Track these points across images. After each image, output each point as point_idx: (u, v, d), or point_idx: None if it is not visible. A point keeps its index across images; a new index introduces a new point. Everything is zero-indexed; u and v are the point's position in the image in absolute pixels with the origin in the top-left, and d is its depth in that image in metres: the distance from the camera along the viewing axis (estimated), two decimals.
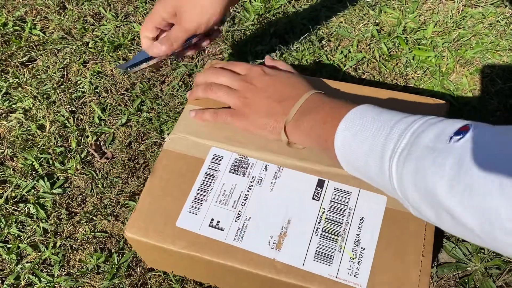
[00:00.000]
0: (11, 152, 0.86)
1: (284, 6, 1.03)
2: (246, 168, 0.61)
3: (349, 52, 0.93)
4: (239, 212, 0.57)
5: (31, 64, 1.00)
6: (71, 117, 0.89)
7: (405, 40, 0.93)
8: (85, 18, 1.06)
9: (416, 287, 0.51)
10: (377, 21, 0.97)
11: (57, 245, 0.75)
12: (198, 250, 0.55)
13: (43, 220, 0.78)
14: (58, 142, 0.87)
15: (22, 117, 0.90)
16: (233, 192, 0.59)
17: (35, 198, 0.80)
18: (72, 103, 0.91)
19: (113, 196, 0.79)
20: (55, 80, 0.95)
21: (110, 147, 0.85)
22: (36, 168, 0.84)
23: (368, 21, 0.97)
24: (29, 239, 0.76)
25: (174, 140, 0.65)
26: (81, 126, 0.88)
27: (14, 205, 0.80)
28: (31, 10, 1.09)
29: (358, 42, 0.94)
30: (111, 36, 1.01)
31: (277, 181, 0.59)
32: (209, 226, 0.57)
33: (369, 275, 0.52)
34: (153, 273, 0.70)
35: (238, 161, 0.62)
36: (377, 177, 0.49)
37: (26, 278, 0.73)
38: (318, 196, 0.58)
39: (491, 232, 0.38)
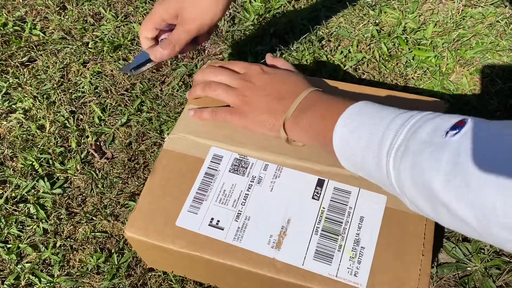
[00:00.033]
0: (11, 152, 0.86)
1: (284, 6, 1.03)
2: (246, 168, 0.61)
3: (349, 52, 0.93)
4: (239, 212, 0.57)
5: (31, 64, 1.00)
6: (71, 117, 0.89)
7: (405, 40, 0.93)
8: (85, 18, 1.06)
9: (416, 286, 0.51)
10: (377, 21, 0.97)
11: (57, 245, 0.75)
12: (198, 249, 0.55)
13: (43, 220, 0.78)
14: (58, 142, 0.87)
15: (22, 117, 0.90)
16: (233, 191, 0.59)
17: (35, 198, 0.80)
18: (72, 103, 0.91)
19: (113, 196, 0.79)
20: (55, 80, 0.95)
21: (110, 147, 0.85)
22: (36, 168, 0.84)
23: (368, 21, 0.97)
24: (29, 239, 0.76)
25: (174, 139, 0.65)
26: (81, 126, 0.88)
27: (14, 205, 0.80)
28: (31, 10, 1.09)
29: (358, 42, 0.94)
30: (111, 36, 1.01)
31: (277, 180, 0.59)
32: (209, 225, 0.57)
33: (369, 274, 0.52)
34: (153, 273, 0.70)
35: (238, 161, 0.62)
36: (375, 172, 0.49)
37: (26, 278, 0.73)
38: (318, 195, 0.58)
39: (488, 226, 0.38)
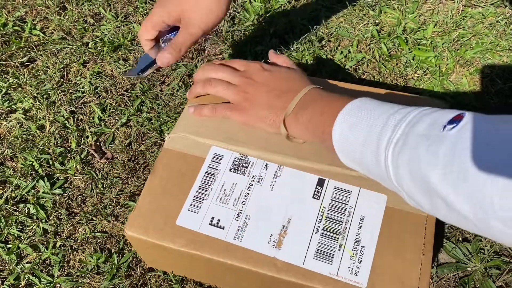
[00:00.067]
0: (11, 153, 0.86)
1: (284, 6, 1.03)
2: (247, 167, 0.61)
3: (349, 52, 0.93)
4: (240, 211, 0.57)
5: (31, 64, 1.00)
6: (71, 118, 0.89)
7: (405, 40, 0.93)
8: (85, 19, 1.06)
9: (417, 285, 0.51)
10: (377, 21, 0.97)
11: (57, 245, 0.75)
12: (198, 248, 0.55)
13: (43, 221, 0.78)
14: (58, 142, 0.87)
15: (22, 117, 0.90)
16: (234, 190, 0.59)
17: (35, 199, 0.80)
18: (72, 103, 0.91)
19: (113, 196, 0.79)
20: (55, 81, 0.95)
21: (110, 148, 0.85)
22: (36, 168, 0.83)
23: (368, 21, 0.97)
24: (29, 240, 0.76)
25: (174, 139, 0.65)
26: (81, 126, 0.88)
27: (14, 206, 0.80)
28: (31, 11, 1.09)
29: (358, 43, 0.94)
30: (111, 37, 1.01)
31: (278, 180, 0.59)
32: (209, 224, 0.57)
33: (369, 273, 0.52)
34: (153, 274, 0.70)
35: (238, 160, 0.61)
36: (373, 168, 0.49)
37: (26, 278, 0.72)
38: (319, 195, 0.58)
39: (485, 219, 0.38)
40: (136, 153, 0.83)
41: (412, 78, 0.88)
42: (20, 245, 0.75)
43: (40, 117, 0.90)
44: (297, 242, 0.54)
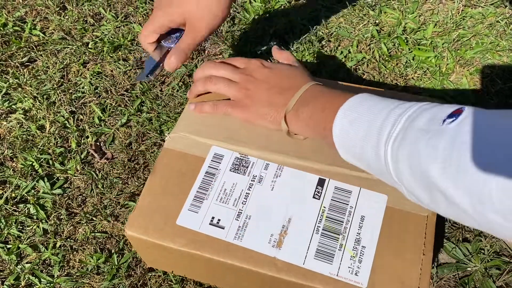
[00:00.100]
0: (11, 153, 0.86)
1: (284, 6, 1.03)
2: (247, 167, 0.61)
3: (349, 52, 0.93)
4: (240, 211, 0.57)
5: (31, 64, 1.00)
6: (71, 118, 0.89)
7: (405, 41, 0.93)
8: (85, 19, 1.06)
9: (417, 285, 0.51)
10: (377, 21, 0.97)
11: (57, 245, 0.75)
12: (198, 248, 0.55)
13: (43, 221, 0.77)
14: (58, 142, 0.86)
15: (22, 117, 0.90)
16: (234, 190, 0.59)
17: (35, 199, 0.80)
18: (72, 103, 0.91)
19: (113, 196, 0.79)
20: (55, 81, 0.95)
21: (110, 148, 0.85)
22: (36, 168, 0.83)
23: (368, 22, 0.97)
24: (29, 240, 0.76)
25: (174, 139, 0.65)
26: (81, 126, 0.88)
27: (14, 206, 0.80)
28: (31, 11, 1.09)
29: (358, 43, 0.94)
30: (111, 37, 1.01)
31: (278, 179, 0.59)
32: (210, 224, 0.57)
33: (369, 273, 0.52)
34: (153, 274, 0.70)
35: (238, 160, 0.62)
36: (373, 163, 0.50)
37: (26, 278, 0.72)
38: (319, 194, 0.58)
39: (483, 212, 0.38)
40: (136, 153, 0.83)
41: (412, 78, 0.88)
42: (20, 245, 0.75)
43: (40, 117, 0.90)
44: (298, 242, 0.54)
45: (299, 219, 0.56)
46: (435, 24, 0.95)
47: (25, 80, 0.96)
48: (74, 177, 0.82)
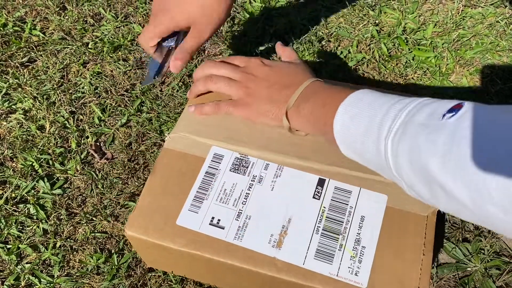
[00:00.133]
0: (11, 153, 0.86)
1: (284, 6, 1.03)
2: (247, 167, 0.61)
3: (349, 52, 0.93)
4: (240, 211, 0.57)
5: (31, 64, 1.00)
6: (71, 118, 0.89)
7: (405, 41, 0.93)
8: (85, 19, 1.06)
9: (417, 285, 0.51)
10: (377, 21, 0.97)
11: (57, 245, 0.75)
12: (198, 248, 0.55)
13: (43, 221, 0.77)
14: (58, 142, 0.86)
15: (22, 117, 0.90)
16: (234, 190, 0.59)
17: (35, 199, 0.79)
18: (72, 103, 0.91)
19: (113, 196, 0.79)
20: (55, 81, 0.95)
21: (110, 148, 0.85)
22: (36, 168, 0.83)
23: (368, 22, 0.97)
24: (29, 240, 0.76)
25: (174, 139, 0.65)
26: (81, 126, 0.88)
27: (14, 206, 0.79)
28: (31, 11, 1.09)
29: (358, 43, 0.94)
30: (111, 37, 1.01)
31: (278, 180, 0.59)
32: (210, 224, 0.57)
33: (369, 273, 0.52)
34: (153, 274, 0.70)
35: (238, 160, 0.61)
36: (374, 158, 0.50)
37: (26, 278, 0.72)
38: (319, 195, 0.58)
39: (483, 206, 0.38)
40: (136, 153, 0.83)
41: (412, 78, 0.88)
42: (20, 245, 0.75)
43: (40, 118, 0.90)
44: (298, 242, 0.54)
45: (299, 219, 0.56)
46: (435, 24, 0.95)
47: (25, 80, 0.96)
48: (74, 177, 0.82)
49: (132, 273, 0.71)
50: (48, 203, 0.79)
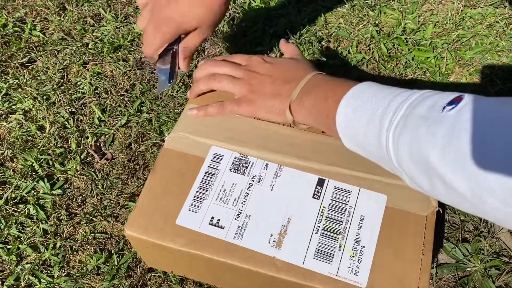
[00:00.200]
0: (11, 153, 0.86)
1: (284, 7, 1.03)
2: (247, 167, 0.61)
3: (349, 53, 0.93)
4: (239, 211, 0.57)
5: (31, 65, 1.00)
6: (71, 118, 0.89)
7: (405, 41, 0.93)
8: (85, 19, 1.06)
9: (416, 285, 0.51)
10: (376, 21, 0.97)
11: (57, 246, 0.75)
12: (198, 248, 0.55)
13: (43, 221, 0.77)
14: (58, 143, 0.87)
15: (22, 118, 0.90)
16: (233, 190, 0.59)
17: (35, 199, 0.80)
18: (72, 104, 0.91)
19: (113, 197, 0.79)
20: (55, 81, 0.95)
21: (110, 148, 0.85)
22: (36, 169, 0.83)
23: (367, 22, 0.97)
24: (29, 240, 0.76)
25: (174, 139, 0.65)
26: (81, 127, 0.88)
27: (14, 206, 0.80)
28: (31, 11, 1.10)
29: (358, 43, 0.94)
30: (111, 37, 1.01)
31: (277, 179, 0.59)
32: (209, 224, 0.57)
33: (369, 273, 0.52)
34: (153, 274, 0.70)
35: (238, 160, 0.62)
36: (375, 150, 0.50)
37: (26, 279, 0.72)
38: (318, 194, 0.58)
39: (482, 198, 0.39)
40: (136, 153, 0.83)
41: (412, 78, 0.88)
42: (20, 245, 0.75)
43: (40, 118, 0.90)
44: (297, 242, 0.54)
45: (299, 219, 0.56)
46: (435, 25, 0.95)
47: (25, 80, 0.96)
48: (74, 178, 0.82)
49: (132, 273, 0.71)
50: (48, 204, 0.79)
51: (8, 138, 0.88)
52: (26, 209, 0.79)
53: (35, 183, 0.81)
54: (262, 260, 0.54)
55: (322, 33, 0.96)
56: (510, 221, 0.40)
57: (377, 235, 0.54)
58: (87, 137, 0.86)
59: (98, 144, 0.86)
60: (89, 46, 1.01)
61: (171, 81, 0.70)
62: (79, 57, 0.99)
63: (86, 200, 0.80)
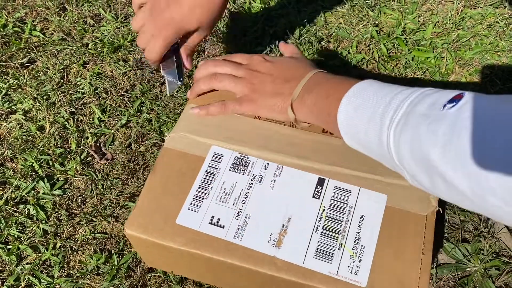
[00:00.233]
0: (11, 154, 0.86)
1: (284, 7, 1.03)
2: (247, 167, 0.61)
3: (349, 53, 0.93)
4: (240, 210, 0.57)
5: (31, 65, 1.00)
6: (71, 118, 0.89)
7: (405, 41, 0.93)
8: (85, 20, 1.06)
9: (416, 285, 0.51)
10: (376, 22, 0.97)
11: (57, 246, 0.75)
12: (198, 247, 0.55)
13: (43, 221, 0.77)
14: (58, 143, 0.87)
15: (22, 118, 0.90)
16: (234, 190, 0.59)
17: (35, 199, 0.80)
18: (72, 104, 0.91)
19: (113, 197, 0.79)
20: (55, 82, 0.95)
21: (110, 148, 0.85)
22: (36, 169, 0.83)
23: (367, 22, 0.97)
24: (29, 240, 0.76)
25: (174, 138, 0.65)
26: (81, 127, 0.88)
27: (14, 206, 0.80)
28: (31, 12, 1.10)
29: (358, 43, 0.94)
30: (111, 37, 1.01)
31: (278, 179, 0.59)
32: (209, 223, 0.57)
33: (369, 272, 0.52)
34: (153, 274, 0.70)
35: (238, 160, 0.62)
36: (376, 147, 0.50)
37: (26, 279, 0.72)
38: (319, 194, 0.58)
39: (482, 195, 0.39)
40: (136, 154, 0.83)
41: (412, 78, 0.88)
42: (20, 246, 0.75)
43: (40, 118, 0.90)
44: (297, 241, 0.54)
45: (299, 218, 0.56)
46: (435, 25, 0.95)
47: (25, 81, 0.96)
48: (74, 178, 0.82)
49: (132, 274, 0.71)
50: (48, 204, 0.79)
51: (8, 138, 0.88)
52: (26, 209, 0.79)
53: (35, 183, 0.81)
54: (262, 259, 0.54)
55: (322, 33, 0.96)
56: (510, 219, 0.40)
57: (377, 235, 0.54)
58: (87, 137, 0.86)
59: (98, 144, 0.86)
60: (89, 46, 1.01)
61: (181, 79, 0.71)
62: (79, 57, 0.99)
63: (86, 200, 0.80)
